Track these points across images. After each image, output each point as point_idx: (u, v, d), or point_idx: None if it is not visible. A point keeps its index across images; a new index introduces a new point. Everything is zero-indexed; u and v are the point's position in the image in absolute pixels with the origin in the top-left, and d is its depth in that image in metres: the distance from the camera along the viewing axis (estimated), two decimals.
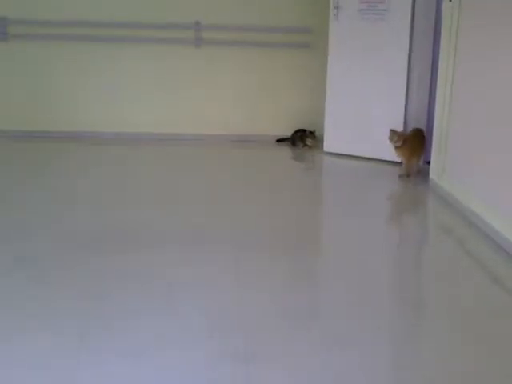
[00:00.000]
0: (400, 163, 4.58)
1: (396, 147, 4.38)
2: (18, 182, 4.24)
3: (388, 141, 4.38)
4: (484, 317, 2.50)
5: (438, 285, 2.82)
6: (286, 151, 5.42)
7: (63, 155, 5.11)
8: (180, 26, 5.45)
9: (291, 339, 2.24)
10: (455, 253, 3.23)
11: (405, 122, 4.78)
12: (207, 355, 2.12)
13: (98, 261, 2.90)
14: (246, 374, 2.01)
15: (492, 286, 2.83)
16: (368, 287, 2.73)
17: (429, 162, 4.41)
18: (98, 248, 3.06)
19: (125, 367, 2.05)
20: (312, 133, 5.39)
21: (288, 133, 5.59)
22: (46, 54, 5.48)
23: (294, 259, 3.02)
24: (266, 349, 2.18)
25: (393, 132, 4.36)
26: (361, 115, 5.00)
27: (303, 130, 5.50)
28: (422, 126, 4.70)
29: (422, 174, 4.51)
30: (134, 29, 5.41)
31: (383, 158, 4.87)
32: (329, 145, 5.23)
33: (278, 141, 5.63)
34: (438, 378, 2.05)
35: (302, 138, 5.45)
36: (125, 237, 3.24)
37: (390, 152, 4.51)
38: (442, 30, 4.14)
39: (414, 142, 4.48)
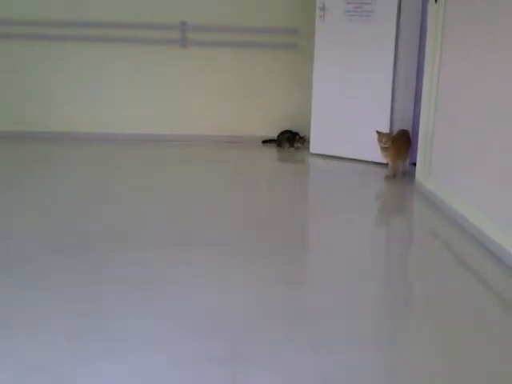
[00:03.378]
0: (386, 164, 4.59)
1: (382, 148, 4.38)
2: (11, 182, 4.19)
3: (375, 142, 4.38)
4: (470, 317, 2.50)
5: (424, 286, 2.82)
6: (272, 152, 5.41)
7: (49, 156, 5.06)
8: (166, 26, 5.43)
9: (279, 341, 2.23)
10: (440, 254, 3.23)
11: (391, 123, 4.79)
12: (195, 357, 2.10)
13: (89, 261, 2.87)
14: (233, 376, 2.00)
15: (477, 286, 2.83)
16: (355, 289, 2.72)
17: (415, 164, 4.43)
18: (90, 248, 3.03)
19: (113, 367, 2.03)
20: (302, 138, 5.40)
21: (274, 134, 5.58)
22: (30, 55, 5.43)
23: (281, 261, 3.00)
24: (253, 351, 2.16)
25: (380, 134, 4.37)
26: (347, 116, 5.01)
27: (289, 131, 5.50)
28: (408, 127, 4.71)
29: (408, 175, 4.53)
30: (120, 29, 5.38)
31: (369, 159, 4.88)
32: (315, 146, 5.23)
33: (265, 142, 5.62)
34: (426, 380, 2.05)
35: (289, 140, 5.45)
36: (115, 238, 3.21)
37: (375, 153, 4.52)
38: (427, 32, 4.16)
39: (400, 144, 4.48)
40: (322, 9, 4.92)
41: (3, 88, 5.49)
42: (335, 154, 5.10)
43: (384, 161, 4.58)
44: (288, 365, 2.08)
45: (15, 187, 4.09)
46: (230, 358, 2.10)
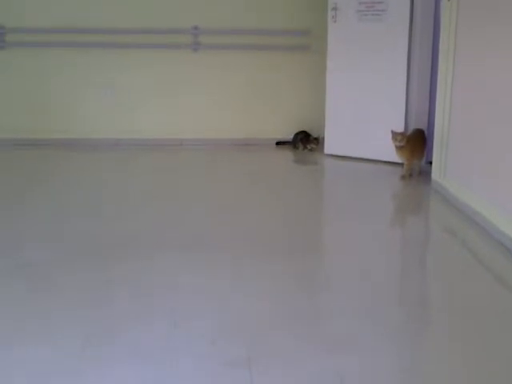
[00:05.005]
0: (401, 164, 4.55)
1: (397, 148, 4.35)
2: (18, 190, 4.21)
3: (390, 141, 4.35)
4: (489, 317, 2.46)
5: (442, 285, 2.79)
6: (287, 154, 5.40)
7: (64, 163, 5.10)
8: (178, 30, 5.44)
9: (293, 344, 2.21)
10: (458, 252, 3.19)
11: (405, 123, 4.76)
12: (209, 361, 2.09)
13: (98, 268, 2.87)
14: (249, 379, 1.98)
15: (496, 286, 2.80)
16: (372, 289, 2.69)
17: (431, 162, 4.39)
18: (98, 255, 3.03)
19: (127, 375, 2.02)
20: (316, 139, 5.37)
21: (289, 135, 5.57)
22: (44, 62, 5.47)
23: (297, 262, 2.98)
24: (268, 354, 2.14)
25: (395, 133, 4.33)
26: (361, 117, 4.98)
27: (303, 132, 5.48)
28: (423, 126, 4.67)
29: (424, 174, 4.48)
30: (132, 34, 5.41)
31: (384, 159, 4.85)
32: (329, 147, 5.21)
33: (278, 143, 5.61)
34: (442, 380, 2.03)
35: (303, 141, 5.43)
36: (125, 243, 3.20)
37: (391, 153, 4.49)
38: (440, 30, 4.12)
39: (415, 143, 4.45)
40: (335, 9, 4.90)
41: (14, 95, 5.53)
42: (350, 155, 5.08)
43: (399, 160, 4.54)
44: (303, 367, 2.06)
45: (29, 194, 4.11)
46: (246, 361, 2.08)
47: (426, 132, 4.61)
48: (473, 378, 2.03)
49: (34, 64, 5.47)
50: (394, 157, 4.51)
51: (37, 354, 2.13)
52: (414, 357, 2.19)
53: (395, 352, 2.22)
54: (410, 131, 4.62)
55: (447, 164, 4.07)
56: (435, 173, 4.25)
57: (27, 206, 3.83)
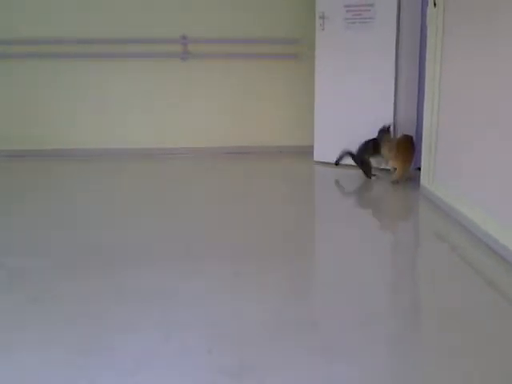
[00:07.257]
0: (389, 170, 4.56)
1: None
2: (11, 201, 4.21)
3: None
4: (480, 321, 2.45)
5: (433, 291, 2.78)
6: (271, 162, 5.40)
7: (55, 173, 5.09)
8: (167, 40, 5.45)
9: (290, 352, 2.18)
10: (448, 258, 3.19)
11: (394, 129, 4.78)
12: (205, 370, 2.06)
13: (95, 277, 2.84)
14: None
15: (486, 290, 2.79)
16: (364, 295, 2.67)
17: (419, 168, 4.40)
18: (94, 264, 3.01)
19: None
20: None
21: (277, 143, 5.59)
22: (33, 73, 5.47)
23: (290, 270, 2.97)
24: (264, 363, 2.11)
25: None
26: (350, 123, 5.00)
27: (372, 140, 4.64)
28: (412, 132, 4.69)
29: (414, 180, 4.50)
30: (121, 44, 5.42)
31: (373, 166, 4.85)
32: (318, 154, 5.22)
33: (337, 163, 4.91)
34: None
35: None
36: (123, 252, 3.18)
37: (379, 159, 4.50)
38: (427, 36, 4.15)
39: (404, 149, 4.47)
40: (322, 17, 4.93)
41: (5, 106, 5.52)
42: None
43: (388, 166, 4.56)
44: (300, 375, 2.04)
45: (21, 204, 4.09)
46: (241, 370, 2.06)
47: (414, 138, 4.63)
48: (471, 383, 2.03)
49: (23, 75, 5.47)
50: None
51: (35, 363, 2.10)
52: (411, 363, 2.17)
53: (390, 360, 2.20)
54: (398, 137, 4.64)
55: (436, 170, 4.09)
56: (424, 178, 4.27)
57: (20, 216, 3.82)
